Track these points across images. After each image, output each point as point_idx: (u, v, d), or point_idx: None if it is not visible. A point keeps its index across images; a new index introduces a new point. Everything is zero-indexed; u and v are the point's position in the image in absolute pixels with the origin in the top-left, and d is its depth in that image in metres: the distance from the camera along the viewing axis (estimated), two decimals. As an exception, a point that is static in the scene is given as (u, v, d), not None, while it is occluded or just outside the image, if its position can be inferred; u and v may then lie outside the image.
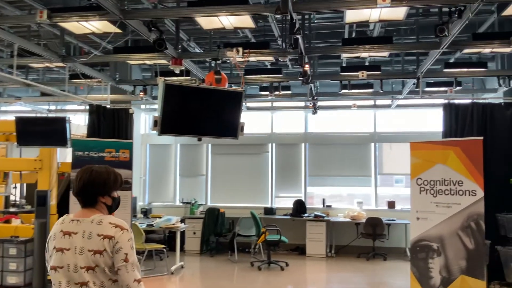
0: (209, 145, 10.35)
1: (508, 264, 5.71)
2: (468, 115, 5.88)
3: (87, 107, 7.24)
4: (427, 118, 9.58)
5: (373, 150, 9.78)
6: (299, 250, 9.30)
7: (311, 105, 8.48)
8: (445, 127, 6.01)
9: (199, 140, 5.27)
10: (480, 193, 5.41)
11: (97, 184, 2.17)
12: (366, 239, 9.01)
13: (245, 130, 10.30)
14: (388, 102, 9.51)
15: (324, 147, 9.97)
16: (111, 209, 2.26)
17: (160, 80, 4.68)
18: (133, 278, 2.06)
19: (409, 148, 5.37)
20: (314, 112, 8.85)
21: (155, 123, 4.76)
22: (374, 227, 8.72)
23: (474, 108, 5.87)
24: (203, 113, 4.98)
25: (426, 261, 5.74)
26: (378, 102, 9.67)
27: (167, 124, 4.78)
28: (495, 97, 7.46)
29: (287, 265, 8.02)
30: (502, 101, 6.10)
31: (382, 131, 9.78)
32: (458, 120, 5.92)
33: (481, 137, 5.47)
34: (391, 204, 9.50)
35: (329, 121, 9.96)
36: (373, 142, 9.78)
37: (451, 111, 5.96)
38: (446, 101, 6.00)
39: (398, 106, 9.32)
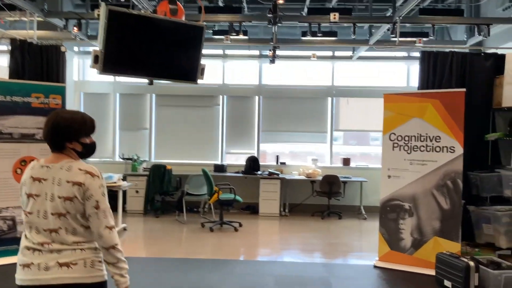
0: (153, 95, 9.36)
1: (480, 224, 5.45)
2: (447, 66, 5.41)
3: (9, 45, 6.03)
4: (390, 72, 9.17)
5: (330, 105, 9.27)
6: (251, 209, 8.78)
7: (270, 52, 7.70)
8: (421, 79, 5.52)
9: (150, 83, 4.36)
10: (459, 150, 5.02)
11: (62, 128, 2.05)
12: (320, 197, 8.63)
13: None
14: (348, 53, 8.95)
15: (279, 101, 9.32)
16: (83, 155, 2.12)
17: (102, 6, 3.71)
18: (105, 225, 2.00)
19: (366, 103, 4.96)
20: (272, 62, 8.10)
21: (96, 58, 3.81)
22: (330, 185, 8.33)
23: (454, 57, 5.41)
24: (155, 50, 4.08)
25: (397, 221, 5.36)
26: (338, 53, 9.09)
27: (111, 60, 3.85)
28: (463, 48, 7.10)
29: (240, 225, 7.46)
30: (482, 51, 5.68)
31: (340, 85, 9.26)
32: (436, 71, 5.44)
33: (463, 89, 5.03)
34: (346, 162, 9.15)
35: (285, 73, 9.28)
36: (331, 97, 9.26)
37: (429, 60, 5.46)
38: (424, 49, 5.46)
39: (360, 58, 8.80)
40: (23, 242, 2.06)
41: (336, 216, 8.52)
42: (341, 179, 8.41)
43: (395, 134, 5.41)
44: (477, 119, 5.54)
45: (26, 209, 2.06)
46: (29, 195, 2.04)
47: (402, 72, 9.15)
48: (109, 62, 3.82)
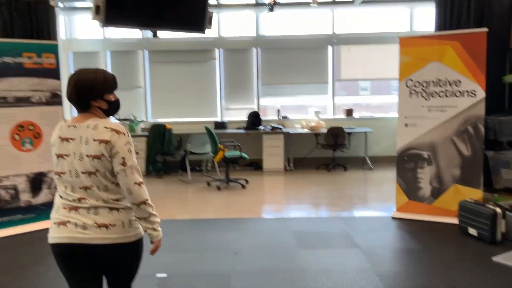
0: (146, 51, 8.91)
1: (498, 169, 5.34)
2: (464, 5, 5.09)
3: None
4: (391, 17, 8.79)
5: (331, 54, 8.93)
6: (255, 166, 8.60)
7: (271, -1, 7.26)
8: (438, 20, 5.21)
9: (155, 35, 4.04)
10: (481, 94, 4.81)
11: (85, 87, 2.02)
12: (325, 150, 8.46)
13: (189, 35, 8.96)
14: (349, -2, 8.53)
15: (277, 53, 8.94)
16: (108, 113, 2.12)
17: None
18: (133, 181, 1.99)
19: (370, 51, 4.66)
20: (271, 9, 7.67)
21: (97, 9, 3.45)
22: (335, 137, 8.14)
23: (472, -5, 5.09)
24: (160, -2, 3.72)
25: (415, 171, 5.21)
26: (338, -1, 8.65)
27: (114, 11, 3.50)
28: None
29: (247, 182, 7.30)
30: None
31: (341, 32, 8.88)
32: (453, 12, 5.13)
33: (485, 29, 4.74)
34: (349, 112, 8.92)
35: (283, 23, 8.85)
36: (331, 45, 8.90)
37: None
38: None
39: (363, 2, 8.39)
40: (58, 202, 2.07)
41: (341, 168, 8.39)
42: (346, 131, 8.21)
43: (412, 80, 5.16)
44: (494, 60, 5.31)
45: (58, 169, 2.06)
46: (59, 155, 2.04)
47: (404, 16, 8.78)
48: (112, 13, 3.47)
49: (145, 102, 9.02)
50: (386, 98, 9.63)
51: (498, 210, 4.27)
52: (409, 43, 5.14)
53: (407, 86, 5.19)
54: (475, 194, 4.87)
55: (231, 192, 6.84)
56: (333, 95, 9.01)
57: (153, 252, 2.11)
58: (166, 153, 8.13)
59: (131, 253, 2.08)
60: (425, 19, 8.71)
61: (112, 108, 2.11)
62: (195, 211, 5.86)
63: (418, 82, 5.12)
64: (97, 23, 3.49)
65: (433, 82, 5.05)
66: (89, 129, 2.01)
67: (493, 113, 5.34)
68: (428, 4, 8.57)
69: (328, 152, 8.55)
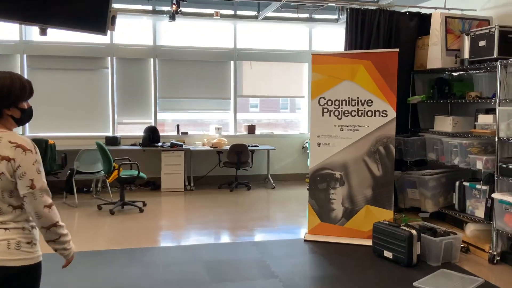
0: (24, 56, 7.78)
1: (404, 189, 5.40)
2: (374, 25, 5.11)
3: None
4: (292, 36, 8.79)
5: (233, 69, 8.65)
6: (152, 185, 7.92)
7: (174, 6, 6.74)
8: (349, 39, 5.15)
9: (43, 33, 3.31)
10: (392, 114, 4.81)
11: (1, 94, 1.81)
12: (227, 168, 8.10)
13: (76, 39, 8.04)
14: (252, 13, 8.35)
15: (177, 64, 8.41)
16: (20, 122, 1.92)
17: None
18: (43, 205, 1.80)
19: (272, 68, 4.50)
20: (172, 18, 7.16)
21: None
22: (238, 155, 7.81)
23: (381, 16, 5.12)
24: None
25: (327, 191, 5.04)
26: (240, 12, 8.42)
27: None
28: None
29: (144, 204, 6.62)
30: (406, 11, 5.50)
31: (244, 47, 8.65)
32: (364, 30, 5.11)
33: (397, 49, 4.78)
34: (251, 129, 8.69)
35: (183, 33, 8.37)
36: (233, 60, 8.63)
37: (357, 18, 5.09)
38: (351, 6, 5.08)
39: (265, 19, 8.25)
40: None
41: (244, 187, 8.08)
42: (249, 148, 7.94)
43: (324, 98, 5.02)
44: (399, 81, 5.39)
45: None
46: None
47: (304, 35, 8.85)
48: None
49: (22, 114, 7.85)
50: (282, 115, 9.59)
51: (414, 232, 4.23)
52: (321, 61, 5.00)
53: (320, 105, 5.04)
54: (386, 215, 4.83)
55: (127, 216, 6.11)
56: (235, 111, 8.72)
57: (64, 267, 2.00)
58: (49, 172, 7.09)
59: (14, 280, 1.80)
60: (325, 39, 8.86)
61: (25, 117, 1.93)
62: (85, 241, 5.04)
63: (331, 100, 5.00)
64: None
65: (345, 101, 4.95)
66: None
67: (398, 133, 5.41)
68: (327, 25, 8.75)
69: (230, 170, 8.19)
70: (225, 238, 5.25)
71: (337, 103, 4.98)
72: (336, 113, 4.98)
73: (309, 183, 5.14)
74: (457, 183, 4.89)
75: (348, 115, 4.95)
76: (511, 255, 4.25)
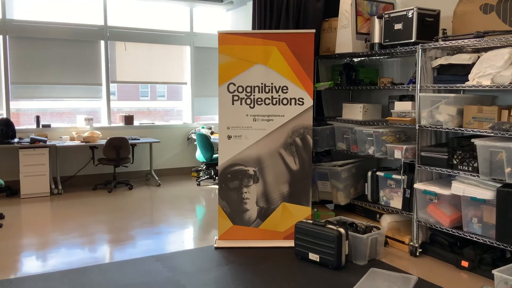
0: None
1: (315, 182, 5.06)
2: (284, 6, 4.61)
3: None
4: (176, 15, 7.92)
5: (104, 51, 7.47)
6: (7, 191, 6.44)
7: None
8: (257, 21, 4.58)
9: None
10: (309, 102, 4.38)
11: None
12: (103, 166, 6.99)
13: None
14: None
15: (33, 43, 6.94)
16: None
17: None
18: None
19: (151, 51, 3.81)
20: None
21: None
22: (117, 150, 6.76)
23: (290, -5, 4.64)
24: None
25: (240, 190, 4.45)
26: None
27: None
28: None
29: (1, 217, 5.27)
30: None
31: (116, 25, 7.52)
32: (273, 12, 4.58)
33: (313, 30, 4.33)
34: (128, 120, 7.64)
35: (41, 4, 6.92)
36: (104, 40, 7.44)
37: (265, -3, 4.53)
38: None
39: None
40: None
41: (125, 186, 7.05)
42: (130, 142, 6.93)
43: (234, 84, 4.38)
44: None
45: None
46: None
47: (185, 15, 8.05)
48: None
49: None
50: (160, 103, 8.72)
51: (342, 230, 3.87)
52: (229, 41, 4.34)
53: (230, 91, 4.38)
54: (304, 211, 4.42)
55: (-22, 235, 4.74)
56: (108, 99, 7.56)
57: None
58: None
59: None
60: (208, 20, 8.19)
61: None
62: None
63: (242, 86, 4.38)
64: None
65: (258, 87, 4.38)
66: None
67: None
68: (210, 5, 8.08)
69: (106, 168, 7.08)
70: (118, 254, 4.31)
71: (248, 89, 4.38)
72: (248, 101, 4.39)
73: (218, 182, 4.47)
74: (369, 173, 4.70)
75: (261, 103, 4.39)
76: (431, 246, 4.16)
